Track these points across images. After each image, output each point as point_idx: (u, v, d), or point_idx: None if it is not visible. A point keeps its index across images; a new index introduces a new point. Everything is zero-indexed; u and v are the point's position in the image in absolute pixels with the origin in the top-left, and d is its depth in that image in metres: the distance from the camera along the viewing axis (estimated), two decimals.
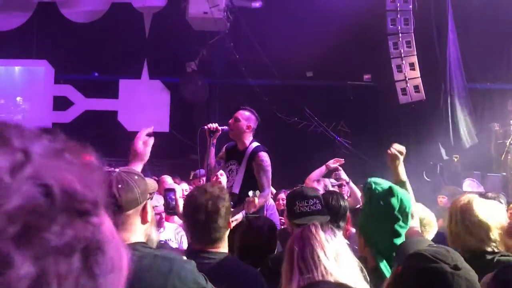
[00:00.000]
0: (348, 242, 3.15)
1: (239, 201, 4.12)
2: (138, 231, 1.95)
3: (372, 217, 2.45)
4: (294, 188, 3.59)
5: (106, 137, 10.53)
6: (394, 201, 2.42)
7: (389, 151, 2.91)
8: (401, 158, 2.91)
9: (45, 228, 0.45)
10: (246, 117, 4.38)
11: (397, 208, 2.43)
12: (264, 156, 4.30)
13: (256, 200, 3.96)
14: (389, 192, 2.44)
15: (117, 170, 2.04)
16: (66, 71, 11.46)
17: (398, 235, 2.43)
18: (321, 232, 1.77)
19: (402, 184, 2.83)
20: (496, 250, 2.46)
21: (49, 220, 0.45)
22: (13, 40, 11.28)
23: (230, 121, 4.41)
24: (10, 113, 11.85)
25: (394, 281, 1.55)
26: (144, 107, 11.25)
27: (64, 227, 0.46)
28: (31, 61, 11.77)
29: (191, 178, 6.61)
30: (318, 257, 1.69)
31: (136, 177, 2.02)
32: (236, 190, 4.26)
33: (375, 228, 2.41)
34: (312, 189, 3.31)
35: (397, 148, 2.91)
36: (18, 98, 11.98)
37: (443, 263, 1.45)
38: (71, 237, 0.47)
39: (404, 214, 2.44)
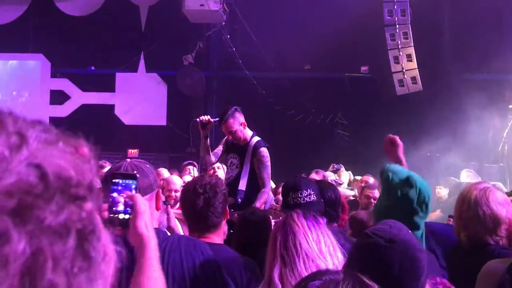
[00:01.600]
0: (341, 231, 3.18)
1: (245, 197, 4.19)
2: (153, 217, 2.00)
3: (389, 209, 2.38)
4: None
5: (103, 131, 10.51)
6: (412, 193, 2.37)
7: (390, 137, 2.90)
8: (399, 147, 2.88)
9: (40, 207, 0.46)
10: (235, 122, 4.34)
11: (415, 201, 2.38)
12: (265, 152, 4.35)
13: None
14: (407, 182, 2.39)
15: (127, 160, 2.11)
16: (63, 65, 11.41)
17: (417, 227, 2.37)
18: (303, 220, 1.79)
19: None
20: (499, 243, 2.44)
21: (44, 200, 0.46)
22: (8, 33, 11.21)
23: (229, 137, 4.44)
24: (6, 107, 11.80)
25: (348, 256, 1.66)
26: (141, 100, 11.22)
27: (59, 208, 0.47)
28: (27, 55, 11.71)
29: (180, 170, 6.56)
30: (300, 244, 1.72)
31: (148, 165, 2.10)
32: (242, 187, 4.31)
33: (391, 216, 2.33)
34: (306, 179, 3.26)
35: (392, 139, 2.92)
36: (14, 93, 11.93)
37: (377, 238, 1.53)
38: (66, 218, 0.47)
39: (424, 204, 2.39)
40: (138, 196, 1.43)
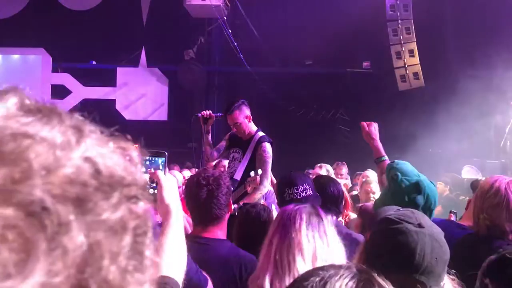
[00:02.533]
0: (347, 229, 3.16)
1: (238, 188, 4.12)
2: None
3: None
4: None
5: (104, 125, 10.48)
6: (420, 199, 2.35)
7: (365, 126, 3.03)
8: (377, 136, 3.00)
9: (99, 201, 0.46)
10: (241, 114, 4.32)
11: (421, 206, 2.36)
12: (267, 147, 4.25)
13: (258, 178, 3.99)
14: (416, 188, 2.36)
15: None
16: (64, 59, 11.40)
17: None
18: (303, 228, 1.71)
19: (380, 159, 2.87)
20: None
21: (102, 194, 0.46)
22: (9, 28, 11.19)
23: (233, 129, 4.37)
24: None
25: (365, 247, 1.58)
26: (142, 95, 11.22)
27: (116, 204, 0.47)
28: (28, 49, 11.70)
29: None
30: (294, 259, 1.66)
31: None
32: (237, 177, 4.25)
33: None
34: (302, 174, 3.20)
35: (373, 129, 3.02)
36: None
37: (406, 223, 1.51)
38: (123, 215, 0.48)
39: (429, 211, 2.37)
40: (160, 172, 1.52)
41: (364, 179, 5.58)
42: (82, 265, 0.44)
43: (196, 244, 2.33)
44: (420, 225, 1.51)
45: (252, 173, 4.01)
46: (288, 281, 1.64)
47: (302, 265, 1.65)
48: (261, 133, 4.35)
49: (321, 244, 1.70)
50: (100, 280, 0.45)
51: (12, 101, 0.48)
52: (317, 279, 0.98)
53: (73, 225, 0.44)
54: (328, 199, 3.11)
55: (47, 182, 0.43)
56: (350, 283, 0.96)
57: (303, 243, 1.68)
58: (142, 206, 0.51)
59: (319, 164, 5.67)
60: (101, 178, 0.47)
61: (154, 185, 1.51)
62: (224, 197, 2.46)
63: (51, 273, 0.42)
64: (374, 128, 3.01)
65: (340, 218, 3.31)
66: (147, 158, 1.52)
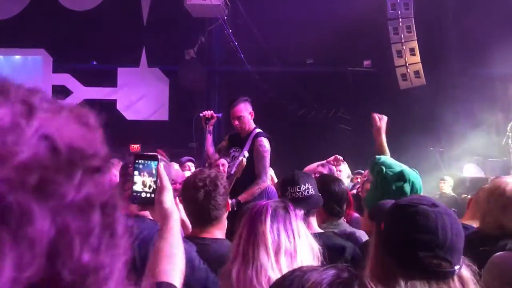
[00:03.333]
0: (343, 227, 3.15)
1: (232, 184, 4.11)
2: None
3: (383, 199, 2.36)
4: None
5: (105, 125, 10.48)
6: (406, 186, 2.41)
7: (376, 120, 3.01)
8: (384, 127, 3.00)
9: (61, 183, 0.43)
10: (245, 108, 4.33)
11: (408, 193, 2.41)
12: (264, 141, 4.23)
13: (245, 161, 3.97)
14: (401, 176, 2.43)
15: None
16: (64, 60, 11.40)
17: None
18: (268, 221, 1.73)
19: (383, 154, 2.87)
20: None
21: (63, 174, 0.44)
22: (10, 28, 11.19)
23: (235, 123, 4.33)
24: None
25: (380, 238, 1.56)
26: (143, 95, 11.22)
27: (80, 183, 0.45)
28: (29, 50, 11.70)
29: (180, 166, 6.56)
30: (258, 250, 1.69)
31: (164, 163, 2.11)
32: (231, 170, 4.24)
33: None
34: (304, 173, 3.20)
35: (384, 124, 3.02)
36: None
37: (421, 205, 1.52)
38: (88, 192, 0.45)
39: None
40: (163, 174, 1.52)
41: (366, 178, 5.56)
42: (53, 253, 0.42)
43: (196, 245, 2.33)
44: (434, 205, 1.53)
45: (240, 157, 4.01)
46: (251, 272, 1.66)
47: (264, 256, 1.67)
48: (258, 130, 4.34)
49: (285, 237, 1.71)
50: (74, 265, 0.43)
51: None
52: (299, 273, 0.99)
53: (36, 213, 0.41)
54: (332, 198, 3.10)
55: (2, 173, 0.41)
56: (329, 278, 0.96)
57: (267, 235, 1.71)
58: (106, 178, 0.48)
59: (321, 163, 5.63)
60: (60, 156, 0.44)
61: (149, 189, 1.50)
62: (221, 198, 2.46)
63: (21, 267, 0.40)
64: (385, 122, 3.00)
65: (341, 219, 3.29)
66: (140, 161, 1.52)
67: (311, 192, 2.89)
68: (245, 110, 4.32)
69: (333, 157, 5.16)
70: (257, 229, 1.73)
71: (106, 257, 0.46)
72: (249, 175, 4.13)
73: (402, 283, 1.42)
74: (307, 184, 2.90)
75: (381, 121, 3.00)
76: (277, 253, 1.68)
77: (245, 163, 4.03)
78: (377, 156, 2.69)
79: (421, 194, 2.49)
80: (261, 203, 1.83)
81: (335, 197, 3.11)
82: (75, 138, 0.46)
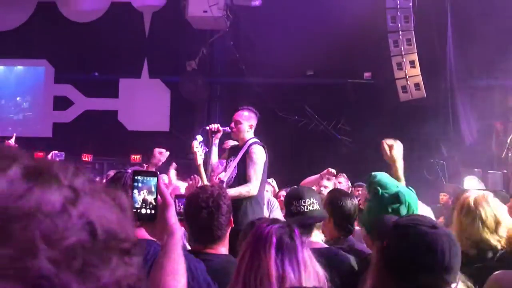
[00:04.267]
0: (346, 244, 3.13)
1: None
2: None
3: None
4: (292, 187, 3.54)
5: (106, 136, 10.52)
6: (402, 209, 2.40)
7: (385, 149, 2.89)
8: (398, 158, 2.87)
9: (99, 266, 0.48)
10: (247, 117, 4.36)
11: (405, 215, 2.40)
12: (256, 148, 4.19)
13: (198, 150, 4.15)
14: (397, 198, 2.42)
15: (129, 170, 2.07)
16: (66, 71, 11.46)
17: None
18: (272, 253, 1.65)
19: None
20: (499, 245, 2.49)
21: (102, 259, 0.48)
22: (13, 39, 11.28)
23: (231, 124, 4.36)
24: (10, 113, 11.85)
25: (382, 256, 1.60)
26: (144, 106, 11.26)
27: (115, 266, 0.49)
28: (31, 60, 11.77)
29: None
30: (262, 283, 1.63)
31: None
32: (225, 177, 4.23)
33: None
34: (308, 189, 3.23)
35: (395, 152, 2.89)
36: (18, 98, 11.98)
37: (421, 226, 1.57)
38: (119, 275, 0.49)
39: None
40: (165, 190, 1.51)
41: (366, 191, 5.56)
42: None
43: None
44: (434, 226, 1.58)
45: (195, 142, 4.18)
46: None
47: (268, 285, 1.61)
48: (254, 139, 4.34)
49: (290, 270, 1.65)
50: None
51: (15, 170, 0.48)
52: None
53: None
54: (344, 215, 3.09)
55: (50, 255, 0.45)
56: None
57: (272, 268, 1.63)
58: (135, 261, 0.52)
59: (326, 176, 5.62)
60: (99, 241, 0.48)
61: (149, 206, 1.50)
62: (224, 217, 2.45)
63: None
64: (396, 149, 2.88)
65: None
66: (139, 178, 1.51)
67: (316, 207, 2.93)
68: (246, 119, 4.33)
69: (325, 170, 5.17)
70: (260, 259, 1.66)
71: None
72: (242, 181, 4.12)
73: None
74: (312, 199, 2.94)
75: (392, 150, 2.91)
76: (281, 286, 1.62)
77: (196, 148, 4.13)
78: (372, 174, 2.64)
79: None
80: (265, 230, 1.72)
81: (347, 214, 3.09)
82: (111, 223, 0.51)
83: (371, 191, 2.55)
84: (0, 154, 0.49)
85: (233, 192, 3.79)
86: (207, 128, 4.46)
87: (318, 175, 5.16)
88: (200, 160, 4.24)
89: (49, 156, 5.16)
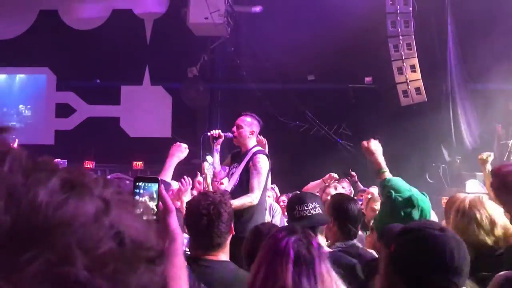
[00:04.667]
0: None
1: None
2: None
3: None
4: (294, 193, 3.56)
5: (108, 143, 10.55)
6: (415, 213, 2.42)
7: (364, 144, 3.02)
8: (377, 150, 2.97)
9: (128, 273, 0.51)
10: (249, 123, 4.37)
11: (417, 219, 2.44)
12: (260, 158, 4.20)
13: (205, 165, 4.09)
14: (410, 203, 2.44)
15: (108, 177, 2.07)
16: (68, 78, 11.51)
17: None
18: (290, 269, 1.62)
19: (380, 171, 2.87)
20: (497, 246, 2.51)
21: (131, 267, 0.51)
22: (15, 48, 11.33)
23: (233, 128, 4.39)
24: (12, 121, 11.90)
25: (391, 260, 1.60)
26: (146, 113, 11.29)
27: (141, 274, 0.52)
28: (33, 68, 11.83)
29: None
30: None
31: (128, 182, 2.06)
32: (228, 187, 4.24)
33: None
34: (311, 194, 3.26)
35: (372, 145, 3.00)
36: (20, 106, 12.03)
37: (430, 229, 1.57)
38: (144, 282, 0.52)
39: None
40: (166, 196, 1.51)
41: (370, 196, 5.57)
42: None
43: (198, 267, 2.32)
44: (442, 230, 1.59)
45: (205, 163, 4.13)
46: None
47: None
48: (257, 148, 4.34)
49: (307, 285, 1.62)
50: None
51: (54, 182, 0.51)
52: None
53: None
54: (348, 219, 3.09)
55: (86, 262, 0.47)
56: None
57: (288, 283, 1.60)
58: (159, 270, 0.55)
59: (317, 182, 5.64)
60: (127, 250, 0.51)
61: (152, 211, 1.49)
62: (224, 225, 2.44)
63: None
64: (373, 144, 3.02)
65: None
66: (140, 184, 1.51)
67: (318, 211, 2.94)
68: (247, 125, 4.34)
69: (327, 175, 5.18)
70: (277, 274, 1.62)
71: None
72: (245, 189, 4.13)
73: None
74: (314, 203, 2.97)
75: (368, 143, 3.02)
76: None
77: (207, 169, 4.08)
78: (387, 178, 2.69)
79: (429, 218, 2.51)
80: (282, 243, 1.67)
81: (352, 218, 3.10)
82: (138, 232, 0.53)
83: (384, 194, 2.57)
84: (42, 167, 0.51)
85: (236, 203, 3.80)
86: (208, 134, 4.47)
87: (320, 180, 5.17)
88: (209, 180, 4.27)
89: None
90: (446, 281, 1.48)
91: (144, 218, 0.57)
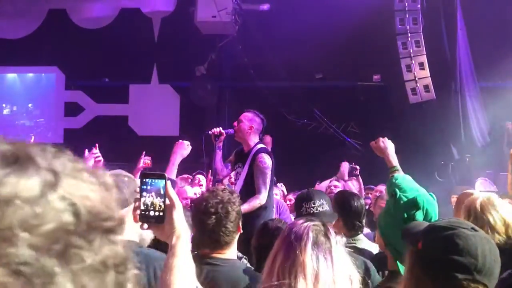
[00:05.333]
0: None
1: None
2: (129, 230, 1.96)
3: (394, 225, 2.38)
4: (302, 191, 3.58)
5: (117, 142, 10.59)
6: (419, 214, 2.36)
7: (373, 144, 3.00)
8: (389, 148, 2.95)
9: (82, 247, 0.47)
10: (249, 118, 4.40)
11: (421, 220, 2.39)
12: (264, 157, 4.21)
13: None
14: (414, 204, 2.38)
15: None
16: (77, 77, 11.56)
17: None
18: (309, 248, 1.66)
19: (391, 170, 2.86)
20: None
21: (85, 240, 0.48)
22: (24, 47, 11.40)
23: (234, 123, 4.45)
24: (22, 119, 11.98)
25: (418, 258, 1.56)
26: (154, 111, 11.32)
27: (99, 247, 0.49)
28: (42, 68, 11.90)
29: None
30: (296, 279, 1.63)
31: (126, 178, 2.09)
32: (237, 190, 4.24)
33: (397, 236, 2.26)
34: (318, 191, 3.28)
35: (381, 144, 2.98)
36: (29, 105, 12.11)
37: (461, 228, 1.53)
38: (105, 255, 0.49)
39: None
40: (173, 193, 1.52)
41: (378, 194, 5.56)
42: None
43: (206, 265, 2.32)
44: (474, 229, 1.54)
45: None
46: None
47: (302, 282, 1.62)
48: (260, 145, 4.35)
49: (325, 266, 1.65)
50: None
51: None
52: None
53: (59, 276, 0.45)
54: (352, 214, 3.14)
55: (30, 241, 0.44)
56: None
57: (307, 264, 1.64)
58: (119, 238, 0.52)
59: (335, 177, 5.64)
60: (82, 222, 0.48)
61: (158, 208, 1.50)
62: (232, 224, 2.43)
63: None
64: (382, 142, 3.00)
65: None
66: (148, 180, 1.52)
67: (326, 208, 2.95)
68: (247, 119, 4.39)
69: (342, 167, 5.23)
70: (296, 256, 1.66)
71: None
72: (250, 190, 4.13)
73: None
74: (321, 200, 2.98)
75: (378, 143, 2.99)
76: (315, 283, 1.63)
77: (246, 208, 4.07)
78: (395, 175, 2.65)
79: (436, 219, 2.47)
80: (301, 227, 1.73)
81: (356, 213, 3.15)
82: (94, 202, 0.50)
83: (390, 192, 2.54)
84: None
85: (246, 207, 3.83)
86: (210, 132, 4.49)
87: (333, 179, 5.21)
88: None
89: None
90: (476, 282, 1.44)
91: (104, 186, 0.53)
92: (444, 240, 1.52)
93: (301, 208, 3.03)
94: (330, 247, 1.70)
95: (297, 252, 1.66)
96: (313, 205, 2.98)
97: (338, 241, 1.74)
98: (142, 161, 4.47)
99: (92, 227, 0.49)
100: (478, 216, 2.52)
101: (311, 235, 1.70)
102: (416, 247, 1.58)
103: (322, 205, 2.98)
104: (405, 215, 2.37)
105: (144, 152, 4.55)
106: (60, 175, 0.49)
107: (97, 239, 0.49)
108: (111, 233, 0.51)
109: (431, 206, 2.42)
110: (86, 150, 3.62)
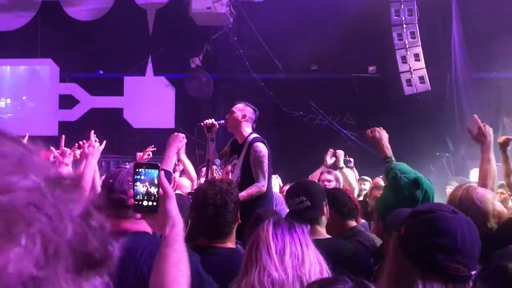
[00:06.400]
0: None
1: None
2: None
3: (395, 206, 2.40)
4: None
5: (112, 134, 10.55)
6: (419, 193, 2.44)
7: (368, 133, 3.06)
8: (384, 138, 3.00)
9: None
10: (241, 108, 4.41)
11: (420, 200, 2.46)
12: (259, 146, 4.17)
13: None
14: (415, 183, 2.46)
15: (127, 166, 2.09)
16: (71, 70, 11.50)
17: None
18: (270, 228, 1.72)
19: (387, 160, 2.89)
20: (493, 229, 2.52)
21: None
22: (17, 39, 11.32)
23: (227, 115, 4.46)
24: (16, 112, 11.92)
25: (400, 242, 1.59)
26: (149, 103, 11.28)
27: None
28: (36, 60, 11.82)
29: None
30: (261, 253, 1.67)
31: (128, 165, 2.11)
32: (234, 179, 4.25)
33: None
34: (302, 185, 3.12)
35: (377, 133, 3.02)
36: (24, 97, 12.04)
37: (441, 211, 1.57)
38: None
39: None
40: (166, 182, 1.52)
41: (373, 185, 5.58)
42: None
43: (206, 254, 2.33)
44: (453, 212, 1.58)
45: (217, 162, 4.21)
46: (253, 275, 1.65)
47: (267, 258, 1.66)
48: (254, 135, 4.34)
49: (290, 240, 1.70)
50: None
51: None
52: (316, 285, 1.01)
53: None
54: (340, 203, 3.14)
55: None
56: None
57: (270, 239, 1.69)
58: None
59: (327, 170, 5.64)
60: None
61: (151, 198, 1.50)
62: (230, 215, 2.45)
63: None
64: (378, 132, 3.04)
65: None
66: (141, 170, 1.52)
67: (307, 204, 2.77)
68: (239, 109, 4.41)
69: (328, 153, 5.27)
70: (259, 237, 1.72)
71: None
72: (249, 181, 4.13)
73: (420, 286, 1.46)
74: (301, 197, 2.83)
75: (373, 132, 3.05)
76: (281, 254, 1.66)
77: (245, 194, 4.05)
78: (394, 162, 2.73)
79: (433, 202, 2.52)
80: (265, 219, 1.82)
81: (342, 201, 3.19)
82: None
83: (390, 175, 2.58)
84: None
85: (244, 194, 3.82)
86: (202, 124, 4.49)
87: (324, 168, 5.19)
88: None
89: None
90: (457, 263, 1.47)
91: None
92: (425, 223, 1.55)
93: (288, 203, 3.00)
94: (294, 229, 1.74)
95: (259, 233, 1.73)
96: (294, 202, 2.87)
97: (304, 229, 1.77)
98: (147, 153, 4.45)
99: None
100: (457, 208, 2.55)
101: (272, 219, 1.77)
102: (399, 232, 1.61)
103: (302, 202, 2.83)
104: (406, 193, 2.43)
105: (152, 146, 4.53)
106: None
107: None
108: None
109: (429, 188, 2.50)
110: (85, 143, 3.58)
